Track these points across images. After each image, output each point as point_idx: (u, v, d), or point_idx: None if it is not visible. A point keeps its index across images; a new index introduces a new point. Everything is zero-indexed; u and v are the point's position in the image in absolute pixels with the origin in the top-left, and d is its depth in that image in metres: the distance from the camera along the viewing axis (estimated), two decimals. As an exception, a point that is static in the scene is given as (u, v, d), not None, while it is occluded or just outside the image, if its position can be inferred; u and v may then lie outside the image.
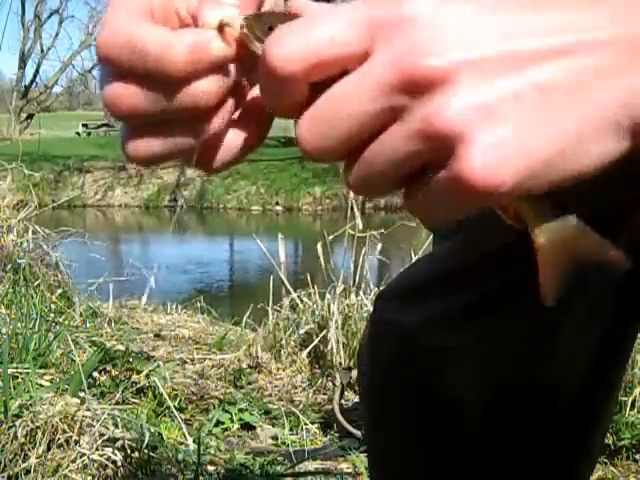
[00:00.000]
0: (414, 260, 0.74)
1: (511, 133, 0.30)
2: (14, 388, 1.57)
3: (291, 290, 2.90)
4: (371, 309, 2.73)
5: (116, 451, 1.48)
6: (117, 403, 1.75)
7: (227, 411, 2.06)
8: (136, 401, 1.96)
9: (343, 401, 2.16)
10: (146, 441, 1.54)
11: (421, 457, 0.71)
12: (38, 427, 1.43)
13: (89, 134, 31.52)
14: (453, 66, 0.30)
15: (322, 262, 2.81)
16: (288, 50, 0.33)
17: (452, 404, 0.68)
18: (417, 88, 0.31)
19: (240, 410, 2.08)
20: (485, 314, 0.64)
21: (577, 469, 0.72)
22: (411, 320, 0.68)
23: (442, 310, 0.66)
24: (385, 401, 0.74)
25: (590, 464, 0.75)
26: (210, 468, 1.68)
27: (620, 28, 0.30)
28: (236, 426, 2.01)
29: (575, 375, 0.67)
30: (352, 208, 2.81)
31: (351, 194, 2.88)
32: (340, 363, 2.47)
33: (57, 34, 31.23)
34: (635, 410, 1.92)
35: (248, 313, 3.11)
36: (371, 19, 0.32)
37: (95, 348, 2.16)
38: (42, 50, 29.98)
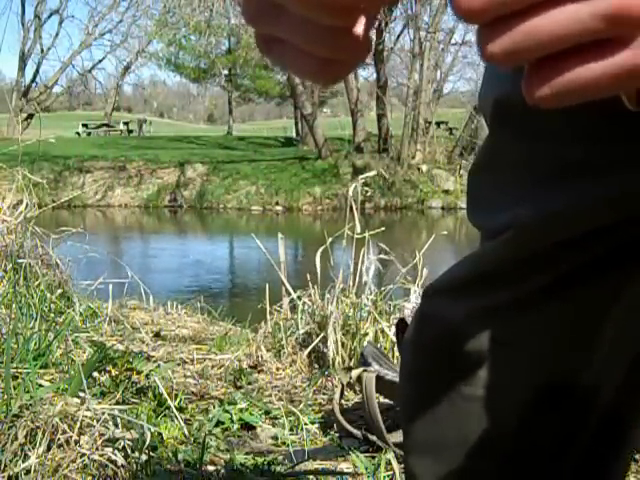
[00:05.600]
0: (462, 258, 0.77)
1: None
2: (14, 388, 1.57)
3: (291, 290, 2.90)
4: (370, 309, 2.71)
5: (116, 451, 1.48)
6: (117, 403, 1.75)
7: (227, 411, 2.06)
8: (136, 401, 1.96)
9: (343, 401, 2.16)
10: (146, 441, 1.54)
11: (456, 451, 0.72)
12: (38, 427, 1.43)
13: (89, 134, 31.54)
14: None
15: (321, 263, 2.82)
16: None
17: (489, 403, 0.68)
18: None
19: (240, 410, 2.08)
20: (527, 312, 0.65)
21: (612, 473, 0.72)
22: (455, 314, 0.69)
23: (485, 305, 0.67)
24: (425, 393, 0.75)
25: (624, 467, 0.75)
26: (210, 468, 1.68)
27: None
28: (236, 426, 2.01)
29: (613, 378, 0.67)
30: (351, 209, 2.81)
31: (350, 193, 2.88)
32: (340, 363, 2.47)
33: (57, 34, 31.27)
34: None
35: (248, 313, 3.11)
36: None
37: (95, 348, 2.16)
38: (42, 50, 29.97)
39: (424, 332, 0.75)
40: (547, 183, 0.61)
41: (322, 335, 2.56)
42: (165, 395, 1.95)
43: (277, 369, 2.56)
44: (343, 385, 2.07)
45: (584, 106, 0.38)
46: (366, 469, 1.70)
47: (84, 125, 32.45)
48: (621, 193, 0.56)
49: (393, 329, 2.36)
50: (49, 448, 1.42)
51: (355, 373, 1.99)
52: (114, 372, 2.06)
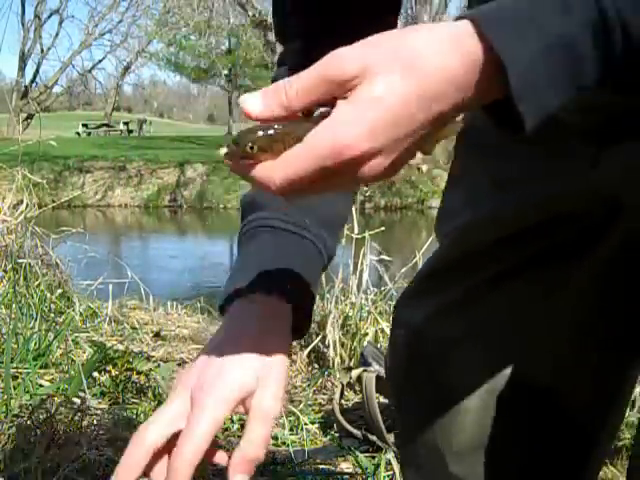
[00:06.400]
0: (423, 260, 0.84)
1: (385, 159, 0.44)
2: (14, 388, 1.58)
3: (291, 290, 2.89)
4: (370, 309, 2.70)
5: (116, 451, 1.48)
6: (117, 403, 1.76)
7: (227, 411, 2.06)
8: (136, 401, 1.96)
9: (343, 401, 2.16)
10: (146, 441, 1.53)
11: (428, 455, 0.73)
12: (38, 427, 1.43)
13: (89, 134, 31.52)
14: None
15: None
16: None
17: (447, 403, 0.69)
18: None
19: (240, 410, 2.08)
20: (473, 306, 0.68)
21: (582, 475, 0.72)
22: (416, 316, 0.72)
23: (439, 304, 0.70)
24: (401, 396, 0.78)
25: (597, 469, 0.75)
26: (210, 468, 1.68)
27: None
28: (236, 426, 2.01)
29: (576, 381, 0.67)
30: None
31: (351, 194, 2.88)
32: (340, 363, 2.47)
33: (57, 34, 31.27)
34: (635, 410, 1.92)
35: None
36: None
37: (95, 348, 2.16)
38: (42, 50, 29.97)
39: (395, 338, 0.78)
40: (483, 193, 0.68)
41: (322, 335, 2.56)
42: (165, 395, 1.95)
43: (277, 369, 2.55)
44: (343, 385, 2.07)
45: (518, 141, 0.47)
46: (366, 469, 1.70)
47: (84, 125, 32.42)
48: (543, 198, 0.63)
49: (393, 329, 2.36)
50: (49, 448, 1.42)
51: (355, 373, 1.99)
52: (114, 372, 2.06)
